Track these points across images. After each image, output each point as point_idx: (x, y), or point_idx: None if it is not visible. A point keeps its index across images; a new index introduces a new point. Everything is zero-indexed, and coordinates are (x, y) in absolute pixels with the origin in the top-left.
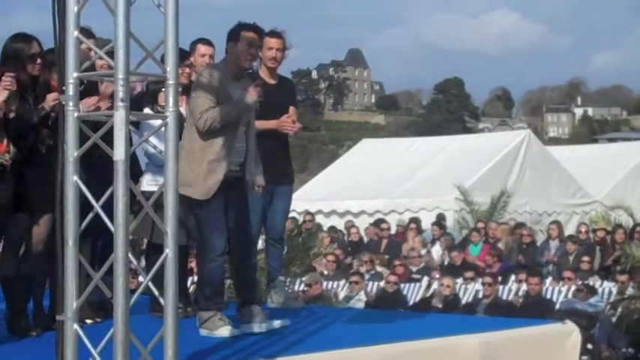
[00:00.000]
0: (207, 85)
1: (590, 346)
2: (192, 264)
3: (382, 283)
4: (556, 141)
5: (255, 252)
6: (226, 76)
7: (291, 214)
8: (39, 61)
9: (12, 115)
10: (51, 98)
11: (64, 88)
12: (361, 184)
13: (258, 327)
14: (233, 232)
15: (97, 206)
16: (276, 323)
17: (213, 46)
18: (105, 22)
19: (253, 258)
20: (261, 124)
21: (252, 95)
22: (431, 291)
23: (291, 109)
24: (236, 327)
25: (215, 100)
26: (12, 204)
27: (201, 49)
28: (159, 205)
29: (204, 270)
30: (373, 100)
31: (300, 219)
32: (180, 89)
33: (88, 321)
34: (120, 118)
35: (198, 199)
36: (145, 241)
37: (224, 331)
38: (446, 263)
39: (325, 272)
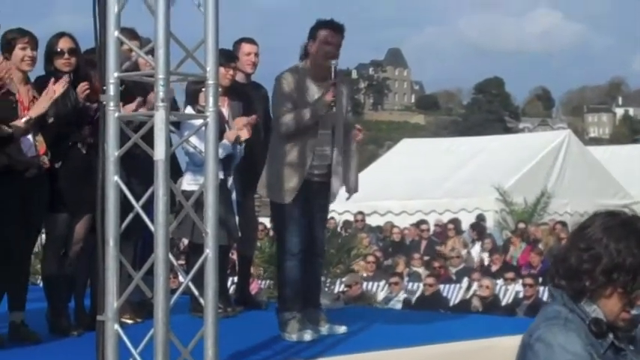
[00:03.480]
0: (284, 89)
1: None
2: (234, 255)
3: (421, 284)
4: (597, 141)
5: (323, 257)
6: (305, 78)
7: (330, 214)
8: (66, 56)
9: (51, 120)
10: (81, 90)
11: (104, 88)
12: (401, 185)
13: (325, 331)
14: (306, 235)
15: (137, 206)
16: (340, 329)
17: (257, 44)
18: (145, 22)
19: (321, 263)
20: None
21: (327, 96)
22: (471, 292)
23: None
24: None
25: (291, 105)
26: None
27: (246, 47)
28: (199, 205)
29: (281, 271)
30: (413, 100)
31: (340, 219)
32: (221, 90)
33: (129, 321)
34: (160, 118)
35: (277, 202)
36: (185, 240)
37: (306, 335)
38: (486, 264)
39: (365, 274)
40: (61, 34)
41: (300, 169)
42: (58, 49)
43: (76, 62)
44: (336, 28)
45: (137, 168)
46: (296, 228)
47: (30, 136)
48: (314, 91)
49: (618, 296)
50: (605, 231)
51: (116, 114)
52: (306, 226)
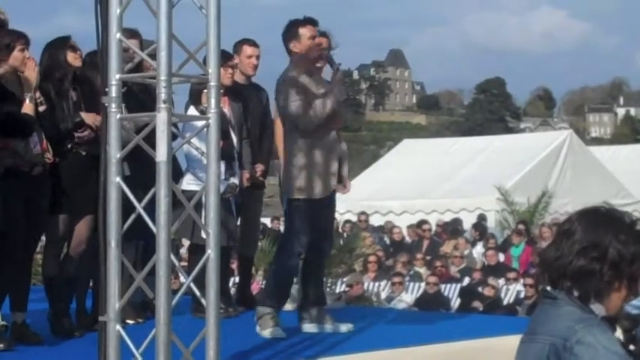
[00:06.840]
0: (294, 89)
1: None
2: (234, 265)
3: (423, 284)
4: (598, 141)
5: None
6: (303, 77)
7: None
8: (79, 52)
9: (43, 107)
10: (91, 119)
11: (106, 89)
12: (402, 185)
13: (329, 329)
14: (314, 234)
15: (140, 207)
16: (345, 327)
17: (259, 47)
18: (147, 23)
19: (325, 262)
20: None
21: (337, 77)
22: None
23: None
24: (281, 328)
25: (307, 102)
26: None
27: (248, 50)
28: (197, 206)
29: (277, 267)
30: (414, 101)
31: (341, 219)
32: (222, 90)
33: (130, 321)
34: (162, 119)
35: (301, 198)
36: (186, 242)
37: (266, 333)
38: (487, 264)
39: (367, 273)
40: (69, 38)
41: (331, 161)
42: (71, 45)
43: (81, 62)
44: (313, 22)
45: (135, 169)
46: (306, 227)
47: (35, 133)
48: (315, 86)
49: (624, 287)
50: (602, 227)
51: (118, 115)
52: (319, 226)
